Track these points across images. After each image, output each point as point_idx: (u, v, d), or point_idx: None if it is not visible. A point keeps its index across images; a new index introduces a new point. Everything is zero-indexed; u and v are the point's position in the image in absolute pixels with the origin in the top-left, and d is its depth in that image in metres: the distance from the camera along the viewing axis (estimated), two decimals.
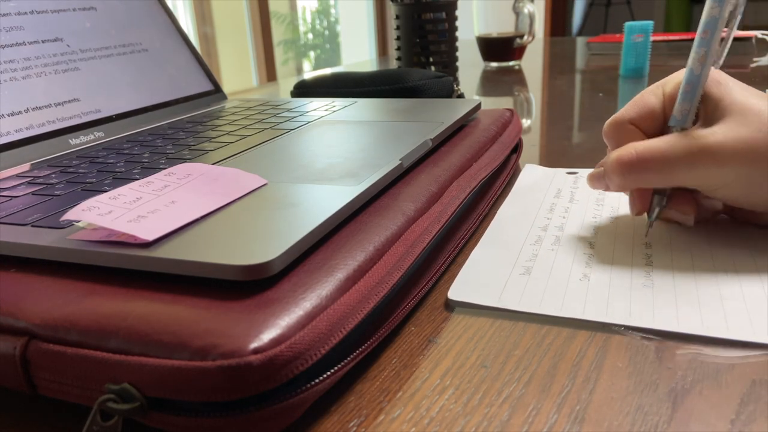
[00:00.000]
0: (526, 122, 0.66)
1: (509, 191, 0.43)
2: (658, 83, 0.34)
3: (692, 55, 0.31)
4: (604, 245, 0.33)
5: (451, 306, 0.29)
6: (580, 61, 1.10)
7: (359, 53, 3.31)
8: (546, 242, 0.34)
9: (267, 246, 0.23)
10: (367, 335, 0.24)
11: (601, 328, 0.26)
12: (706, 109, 0.31)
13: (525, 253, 0.33)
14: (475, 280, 0.30)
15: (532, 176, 0.45)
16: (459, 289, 0.29)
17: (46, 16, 0.46)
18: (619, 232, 0.34)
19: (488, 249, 0.33)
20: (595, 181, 0.34)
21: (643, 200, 0.33)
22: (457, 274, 0.31)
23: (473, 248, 0.34)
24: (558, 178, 0.45)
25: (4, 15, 0.43)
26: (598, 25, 4.02)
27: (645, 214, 0.33)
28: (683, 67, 0.32)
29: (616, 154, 0.32)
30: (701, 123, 0.31)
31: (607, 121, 0.34)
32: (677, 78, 0.33)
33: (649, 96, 0.33)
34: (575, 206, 0.39)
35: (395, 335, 0.27)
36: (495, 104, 0.77)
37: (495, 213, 0.39)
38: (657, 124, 0.33)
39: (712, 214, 0.35)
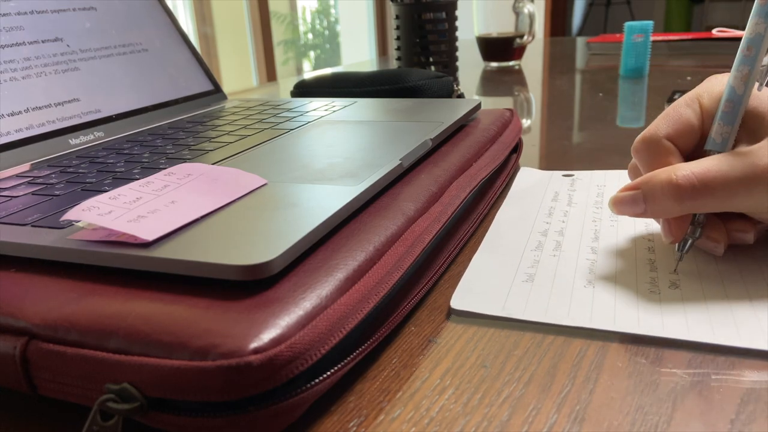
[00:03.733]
0: (526, 122, 0.66)
1: (508, 193, 0.43)
2: (692, 94, 0.31)
3: (734, 73, 0.29)
4: (607, 250, 0.32)
5: (452, 314, 0.28)
6: (580, 61, 1.10)
7: (359, 53, 3.31)
8: (547, 248, 0.33)
9: (267, 246, 0.23)
10: (367, 335, 0.24)
11: (606, 334, 0.26)
12: (747, 126, 0.29)
13: (526, 260, 0.32)
14: (478, 288, 0.30)
15: (529, 180, 0.45)
16: (461, 298, 0.29)
17: (46, 16, 0.46)
18: (620, 235, 0.34)
19: (489, 255, 0.33)
20: (629, 205, 0.30)
21: (681, 228, 0.30)
22: (456, 275, 0.31)
23: (473, 253, 0.33)
24: (554, 181, 0.44)
25: (3, 15, 0.43)
26: (598, 25, 4.02)
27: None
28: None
29: (667, 177, 0.28)
30: (744, 142, 0.29)
31: (639, 137, 0.31)
32: (715, 90, 0.30)
33: (685, 109, 0.31)
34: (574, 210, 0.38)
35: (395, 335, 0.27)
36: (495, 104, 0.77)
37: (493, 216, 0.38)
38: (695, 140, 0.30)
39: (742, 241, 0.31)
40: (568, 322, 0.26)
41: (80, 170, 0.36)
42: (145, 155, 0.38)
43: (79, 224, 0.26)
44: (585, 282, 0.29)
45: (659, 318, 0.26)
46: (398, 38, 0.79)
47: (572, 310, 0.27)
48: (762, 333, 0.24)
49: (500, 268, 0.31)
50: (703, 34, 1.08)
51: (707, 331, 0.25)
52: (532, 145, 0.57)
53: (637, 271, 0.30)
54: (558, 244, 0.34)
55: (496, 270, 0.31)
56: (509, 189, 0.43)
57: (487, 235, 0.36)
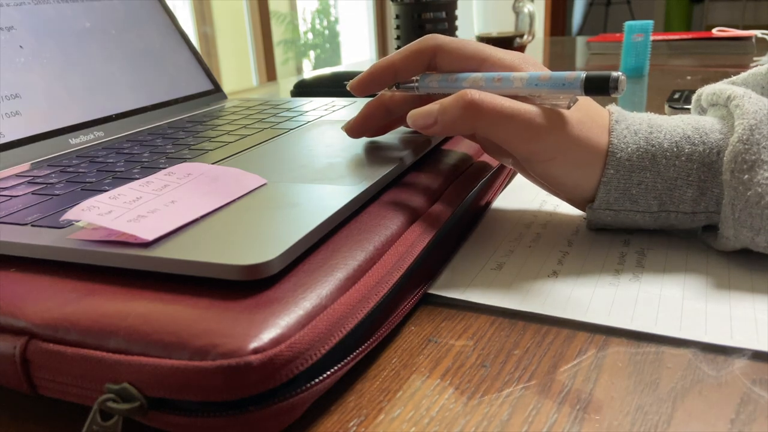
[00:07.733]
0: None
1: (508, 186, 0.43)
2: None
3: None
4: (583, 243, 0.33)
5: (430, 300, 0.29)
6: (580, 61, 1.10)
7: (359, 53, 3.31)
8: (526, 239, 0.34)
9: (267, 246, 0.23)
10: (367, 335, 0.24)
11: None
12: None
13: (502, 249, 0.33)
14: (450, 276, 0.31)
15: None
16: (436, 285, 0.30)
17: (46, 13, 0.45)
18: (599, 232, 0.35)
19: (471, 246, 0.34)
20: (422, 117, 0.31)
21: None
22: None
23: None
24: None
25: (2, 12, 0.43)
26: (598, 25, 4.02)
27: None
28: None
29: (462, 92, 0.30)
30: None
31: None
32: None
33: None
34: (565, 204, 0.39)
35: (395, 335, 0.27)
36: None
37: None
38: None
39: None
40: (522, 308, 0.27)
41: (80, 170, 0.36)
42: (145, 155, 0.38)
43: (79, 224, 0.26)
44: (549, 272, 0.30)
45: (630, 312, 0.27)
46: (398, 38, 0.79)
47: (528, 297, 0.28)
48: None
49: (475, 257, 0.32)
50: (703, 34, 1.08)
51: (651, 321, 0.26)
52: None
53: (604, 263, 0.31)
54: (538, 236, 0.34)
55: (472, 259, 0.32)
56: (510, 185, 0.43)
57: (478, 226, 0.36)
